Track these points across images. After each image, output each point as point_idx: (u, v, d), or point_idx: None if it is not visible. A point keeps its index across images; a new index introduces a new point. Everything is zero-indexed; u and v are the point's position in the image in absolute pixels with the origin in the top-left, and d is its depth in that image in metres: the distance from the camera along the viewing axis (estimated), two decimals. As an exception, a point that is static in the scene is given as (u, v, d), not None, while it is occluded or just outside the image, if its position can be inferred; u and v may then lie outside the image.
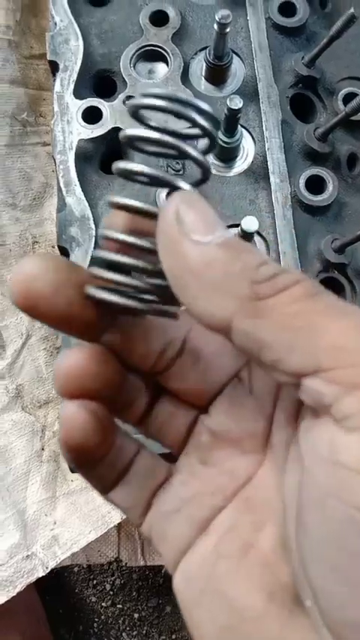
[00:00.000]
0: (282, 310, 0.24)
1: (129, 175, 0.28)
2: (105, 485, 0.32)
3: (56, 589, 0.86)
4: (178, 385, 0.32)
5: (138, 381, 0.32)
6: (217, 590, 0.28)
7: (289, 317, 0.24)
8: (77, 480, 0.64)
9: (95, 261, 0.29)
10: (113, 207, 0.28)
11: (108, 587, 0.86)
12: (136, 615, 0.86)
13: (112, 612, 0.87)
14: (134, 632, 0.86)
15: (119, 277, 0.27)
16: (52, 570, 0.84)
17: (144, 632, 0.86)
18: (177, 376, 0.32)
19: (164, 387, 0.33)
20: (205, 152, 0.28)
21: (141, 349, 0.31)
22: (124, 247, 0.28)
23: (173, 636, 0.85)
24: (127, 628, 0.86)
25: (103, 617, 0.86)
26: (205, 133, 0.27)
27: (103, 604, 0.87)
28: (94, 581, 0.87)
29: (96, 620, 0.86)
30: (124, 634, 0.86)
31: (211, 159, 0.60)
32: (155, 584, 0.86)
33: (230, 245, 0.25)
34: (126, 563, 0.74)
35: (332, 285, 0.58)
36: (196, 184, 0.28)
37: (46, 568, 0.58)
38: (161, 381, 0.33)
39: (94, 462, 0.30)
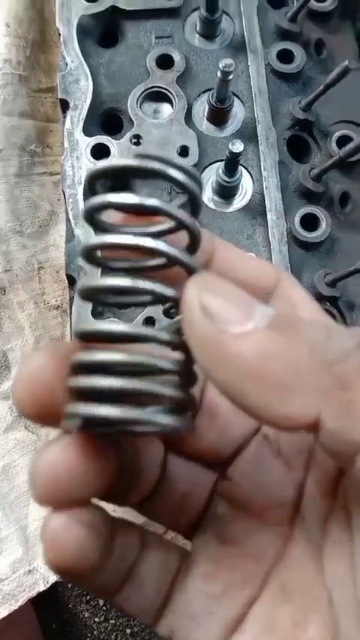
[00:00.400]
0: None
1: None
2: (108, 592, 0.26)
3: (50, 604, 0.88)
4: (195, 446, 0.28)
5: (146, 454, 0.27)
6: None
7: None
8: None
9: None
10: (82, 340, 0.23)
11: (101, 602, 0.88)
12: (128, 631, 0.88)
13: (104, 627, 0.88)
14: (126, 648, 0.88)
15: (112, 381, 0.21)
16: (46, 585, 0.86)
17: (136, 647, 0.88)
18: (193, 436, 0.28)
19: (179, 450, 0.29)
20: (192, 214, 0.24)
21: None
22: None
23: (164, 652, 0.87)
24: (120, 643, 0.88)
25: (95, 632, 0.88)
26: (187, 191, 0.23)
27: (96, 619, 0.88)
28: (88, 597, 0.89)
29: (89, 635, 0.88)
30: (116, 649, 0.88)
31: (211, 195, 0.63)
32: (148, 600, 0.88)
33: (280, 322, 0.20)
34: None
35: (324, 317, 0.62)
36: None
37: (47, 582, 0.60)
38: (178, 442, 0.29)
39: (91, 577, 0.25)
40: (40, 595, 0.85)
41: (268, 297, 0.25)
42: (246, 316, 0.20)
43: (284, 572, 0.26)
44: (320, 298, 0.60)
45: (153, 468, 0.28)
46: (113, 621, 0.89)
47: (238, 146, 0.55)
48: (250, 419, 0.25)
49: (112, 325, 0.22)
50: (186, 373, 0.23)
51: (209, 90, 0.65)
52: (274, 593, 0.26)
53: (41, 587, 0.60)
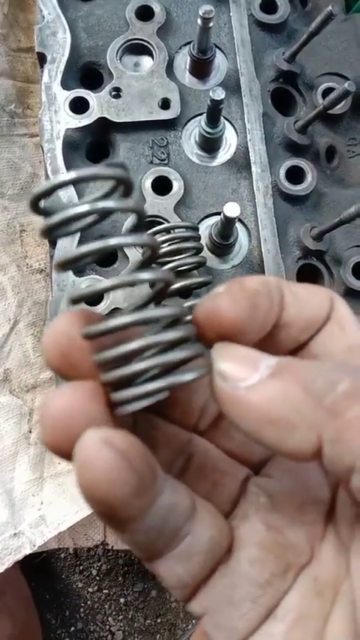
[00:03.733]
0: None
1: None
2: (149, 554, 0.26)
3: (43, 575, 0.87)
4: (225, 444, 0.30)
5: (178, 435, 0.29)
6: None
7: None
8: (64, 463, 0.65)
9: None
10: (88, 338, 0.25)
11: (94, 572, 0.88)
12: (122, 600, 0.88)
13: (98, 597, 0.88)
14: (120, 617, 0.87)
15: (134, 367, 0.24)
16: (39, 556, 0.85)
17: (130, 616, 0.87)
18: (223, 435, 0.29)
19: (210, 438, 0.30)
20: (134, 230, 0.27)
21: (182, 404, 0.29)
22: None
23: (158, 620, 0.87)
24: (113, 612, 0.87)
25: (89, 602, 0.88)
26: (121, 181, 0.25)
27: (90, 589, 0.88)
28: (81, 567, 0.88)
29: (82, 605, 0.88)
30: (110, 618, 0.88)
31: (194, 148, 0.62)
32: (141, 569, 0.88)
33: (280, 369, 0.23)
34: (112, 547, 0.75)
35: (311, 272, 0.61)
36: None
37: (34, 546, 0.59)
38: (208, 439, 0.30)
39: (126, 521, 0.24)
40: (32, 565, 0.85)
41: (327, 321, 0.27)
42: (252, 371, 0.23)
43: (317, 567, 0.27)
44: (306, 253, 0.59)
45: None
46: (107, 591, 0.88)
47: (219, 93, 0.53)
48: None
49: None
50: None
51: (191, 42, 0.63)
52: (307, 586, 0.27)
53: (27, 550, 0.59)
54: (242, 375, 0.23)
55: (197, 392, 0.29)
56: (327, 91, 0.64)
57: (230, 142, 0.62)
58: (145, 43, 0.63)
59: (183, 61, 0.64)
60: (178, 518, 0.26)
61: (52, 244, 0.59)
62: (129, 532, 0.25)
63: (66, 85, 0.61)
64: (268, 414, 0.22)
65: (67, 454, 0.23)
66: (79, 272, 0.58)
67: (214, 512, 0.28)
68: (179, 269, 0.52)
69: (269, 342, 0.27)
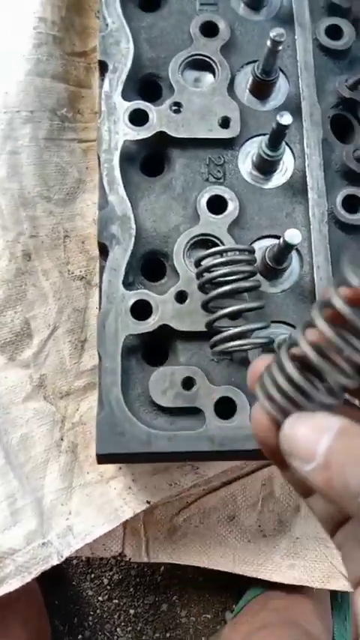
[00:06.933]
0: None
1: None
2: (301, 492, 0.35)
3: (54, 580, 0.87)
4: None
5: None
6: None
7: None
8: (93, 473, 0.65)
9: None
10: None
11: (106, 581, 0.87)
12: (131, 611, 0.87)
13: (107, 607, 0.87)
14: (129, 628, 0.87)
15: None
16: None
17: (138, 628, 0.87)
18: None
19: None
20: None
21: None
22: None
23: (167, 634, 0.86)
24: (122, 623, 0.87)
25: (98, 611, 0.87)
26: None
27: (100, 598, 0.87)
28: (92, 575, 0.88)
29: (91, 613, 0.87)
30: (118, 629, 0.87)
31: (250, 169, 0.61)
32: (153, 581, 0.87)
33: (330, 458, 0.28)
34: (129, 559, 0.75)
35: None
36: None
37: (61, 557, 0.59)
38: None
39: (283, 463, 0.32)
40: (44, 572, 0.84)
41: None
42: (312, 454, 0.29)
43: None
44: None
45: None
46: (117, 601, 0.88)
47: (286, 118, 0.53)
48: None
49: None
50: None
51: (253, 62, 0.62)
52: None
53: (55, 561, 0.58)
54: (305, 457, 0.29)
55: None
56: (386, 121, 0.63)
57: (287, 165, 0.61)
58: (209, 60, 0.62)
59: (244, 80, 0.63)
60: None
61: (104, 255, 0.58)
62: (286, 472, 0.34)
63: (125, 95, 0.61)
64: (329, 493, 0.28)
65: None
66: (129, 285, 0.57)
67: None
68: (233, 291, 0.52)
69: None
